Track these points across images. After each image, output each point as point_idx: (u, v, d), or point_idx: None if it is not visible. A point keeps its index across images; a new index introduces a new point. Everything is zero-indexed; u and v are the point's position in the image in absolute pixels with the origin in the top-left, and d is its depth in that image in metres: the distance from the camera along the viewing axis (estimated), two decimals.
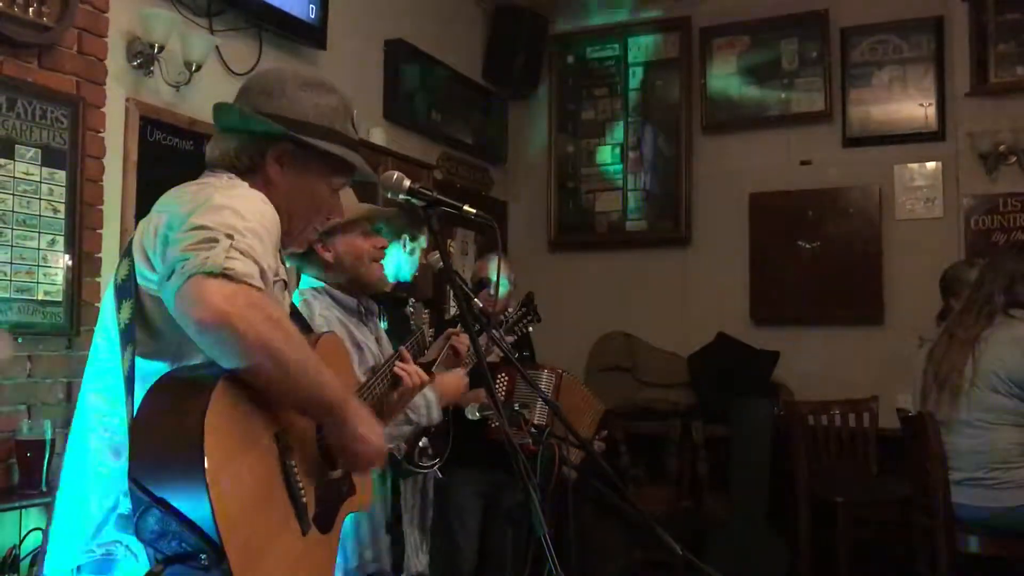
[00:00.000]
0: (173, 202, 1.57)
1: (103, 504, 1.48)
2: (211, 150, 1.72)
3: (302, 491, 1.53)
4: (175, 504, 1.33)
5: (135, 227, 1.66)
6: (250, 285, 1.38)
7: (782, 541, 4.84)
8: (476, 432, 3.04)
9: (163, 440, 1.37)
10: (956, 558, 3.49)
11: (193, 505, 1.31)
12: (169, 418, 1.38)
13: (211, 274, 1.35)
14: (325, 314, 2.43)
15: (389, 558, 2.50)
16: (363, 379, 2.24)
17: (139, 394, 1.43)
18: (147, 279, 1.52)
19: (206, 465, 1.30)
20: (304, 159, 1.69)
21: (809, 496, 4.73)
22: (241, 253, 1.40)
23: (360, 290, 2.54)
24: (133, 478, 1.36)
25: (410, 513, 2.65)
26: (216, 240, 1.39)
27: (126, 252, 1.58)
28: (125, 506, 1.42)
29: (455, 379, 2.68)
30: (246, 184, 1.63)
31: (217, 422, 1.35)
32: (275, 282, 1.54)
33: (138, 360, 1.48)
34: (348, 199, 2.55)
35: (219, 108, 1.72)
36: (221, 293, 1.35)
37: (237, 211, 1.46)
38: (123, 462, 1.42)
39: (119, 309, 1.53)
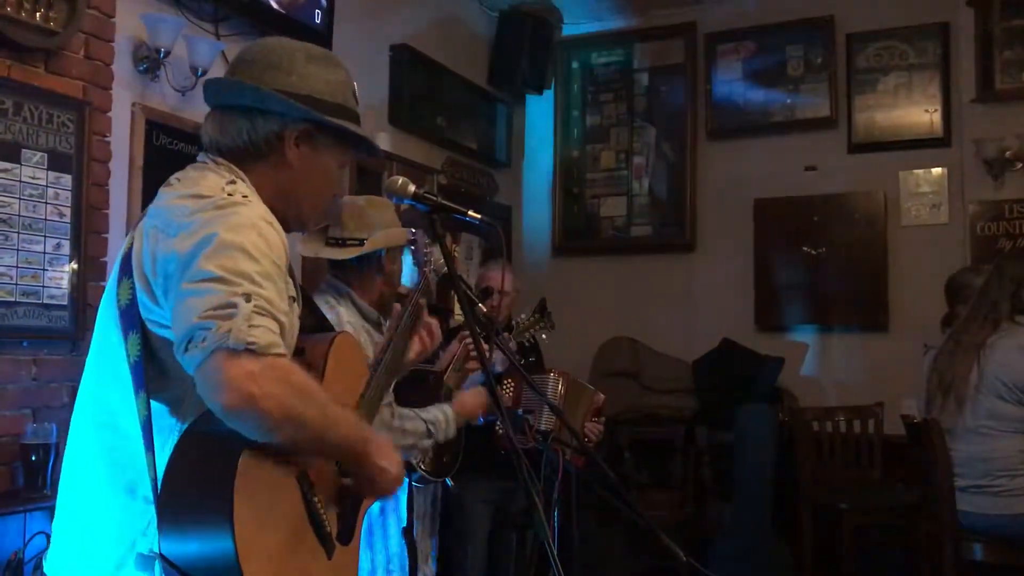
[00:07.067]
0: (172, 219, 1.46)
1: (120, 542, 1.45)
2: (215, 131, 1.61)
3: (326, 521, 1.54)
4: None
5: None
6: (275, 355, 1.34)
7: (786, 547, 4.82)
8: (485, 439, 3.03)
9: (192, 520, 1.36)
10: (961, 566, 3.48)
11: None
12: (196, 494, 1.36)
13: (234, 351, 1.31)
14: (352, 321, 2.48)
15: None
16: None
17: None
18: (150, 311, 1.46)
19: (238, 547, 1.30)
20: (319, 138, 1.64)
21: (813, 502, 4.73)
22: (261, 315, 1.35)
23: (386, 306, 2.62)
24: (164, 556, 1.35)
25: (421, 521, 2.66)
26: (234, 306, 1.33)
27: (125, 268, 1.50)
28: (143, 545, 1.41)
29: (475, 398, 2.69)
30: (245, 189, 1.54)
31: (245, 494, 1.33)
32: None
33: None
34: (391, 219, 2.61)
35: (228, 85, 1.63)
36: (246, 373, 1.30)
37: (246, 251, 1.39)
38: (138, 502, 1.43)
39: (126, 339, 1.47)
